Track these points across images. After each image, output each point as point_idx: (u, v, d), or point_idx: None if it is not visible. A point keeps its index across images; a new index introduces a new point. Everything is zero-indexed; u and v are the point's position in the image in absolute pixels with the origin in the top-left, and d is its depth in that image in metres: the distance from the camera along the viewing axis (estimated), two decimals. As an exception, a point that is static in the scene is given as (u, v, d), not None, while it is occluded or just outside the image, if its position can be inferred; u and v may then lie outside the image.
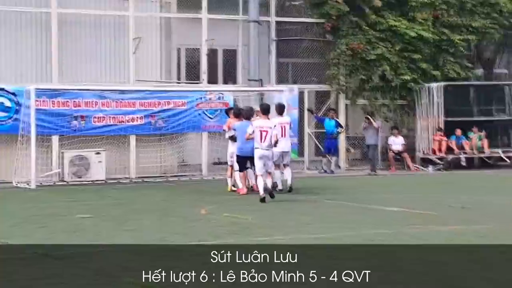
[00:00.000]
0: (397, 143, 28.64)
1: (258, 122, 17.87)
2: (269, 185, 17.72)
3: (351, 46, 27.72)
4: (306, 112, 27.93)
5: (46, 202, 17.84)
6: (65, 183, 23.12)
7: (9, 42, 23.72)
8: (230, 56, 27.44)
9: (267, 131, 17.50)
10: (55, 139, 23.72)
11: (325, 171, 27.10)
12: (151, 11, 25.42)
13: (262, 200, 16.93)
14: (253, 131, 17.67)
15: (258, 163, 17.50)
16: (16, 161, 22.56)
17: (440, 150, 28.63)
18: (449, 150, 28.72)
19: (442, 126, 28.68)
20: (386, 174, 27.08)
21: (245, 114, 18.97)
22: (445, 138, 28.68)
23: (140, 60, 25.09)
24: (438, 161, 28.58)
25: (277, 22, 27.66)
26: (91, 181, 23.26)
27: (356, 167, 27.96)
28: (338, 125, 27.42)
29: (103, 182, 23.30)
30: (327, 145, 27.46)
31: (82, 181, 23.24)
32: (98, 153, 23.68)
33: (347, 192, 20.02)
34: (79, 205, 16.95)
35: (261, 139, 17.49)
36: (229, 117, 20.51)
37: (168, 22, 25.94)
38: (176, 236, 12.19)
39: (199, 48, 26.31)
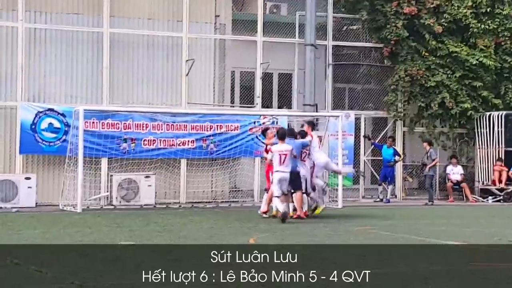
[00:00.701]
0: (455, 172, 27.69)
1: (277, 146, 18.65)
2: (290, 209, 18.67)
3: (409, 72, 26.91)
4: (362, 139, 27.11)
5: (91, 227, 17.27)
6: (112, 207, 22.64)
7: (59, 62, 23.44)
8: (285, 80, 26.83)
9: (286, 155, 18.38)
10: (104, 161, 23.31)
11: (381, 200, 26.24)
12: (206, 33, 24.93)
13: (283, 219, 17.95)
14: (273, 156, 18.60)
15: (276, 185, 18.39)
16: (63, 184, 22.14)
17: (500, 181, 27.60)
18: (510, 181, 27.62)
19: (502, 156, 27.66)
20: (444, 205, 26.09)
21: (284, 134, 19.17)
22: (505, 169, 27.66)
23: (192, 83, 24.62)
24: (498, 192, 27.50)
25: (334, 46, 27.01)
26: (140, 205, 22.76)
27: (413, 197, 26.99)
28: (396, 153, 26.56)
29: (152, 206, 22.78)
30: (384, 173, 26.63)
31: (130, 205, 22.77)
32: (147, 176, 23.19)
33: (404, 223, 19.11)
34: (124, 231, 16.36)
35: (280, 162, 18.40)
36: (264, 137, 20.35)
37: (222, 44, 25.45)
38: (219, 267, 11.43)
39: (253, 71, 25.72)
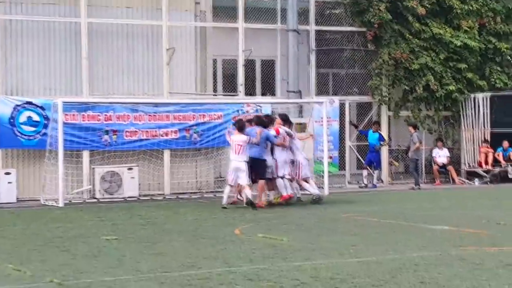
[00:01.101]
0: (441, 155, 27.50)
1: (234, 137, 19.26)
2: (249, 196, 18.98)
3: (393, 55, 26.62)
4: (347, 125, 26.79)
5: (73, 221, 16.91)
6: (95, 200, 22.25)
7: (37, 54, 22.94)
8: (268, 67, 26.44)
9: (241, 145, 18.96)
10: (85, 154, 22.89)
11: (366, 185, 25.93)
12: (186, 21, 24.51)
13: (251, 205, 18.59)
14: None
15: (230, 175, 19.21)
16: (44, 178, 21.72)
17: (486, 162, 27.44)
18: (496, 162, 27.43)
19: (488, 137, 27.47)
20: (430, 188, 25.86)
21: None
22: (491, 150, 27.49)
23: (174, 72, 24.20)
24: (484, 174, 27.29)
25: (317, 31, 26.61)
26: (123, 198, 22.39)
27: (399, 181, 26.72)
28: (381, 138, 26.29)
29: (136, 199, 22.40)
30: (369, 158, 26.34)
31: (114, 198, 22.38)
32: (130, 168, 22.80)
33: (391, 208, 18.83)
34: (107, 225, 16.01)
35: (235, 152, 19.05)
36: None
37: (203, 32, 25.04)
38: (205, 261, 11.13)
39: (236, 59, 25.31)
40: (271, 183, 19.62)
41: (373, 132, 26.33)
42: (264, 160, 19.23)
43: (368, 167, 26.40)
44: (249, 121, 20.06)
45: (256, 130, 19.21)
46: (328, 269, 10.28)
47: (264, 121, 19.70)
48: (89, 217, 17.70)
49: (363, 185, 26.07)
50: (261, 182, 19.23)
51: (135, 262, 11.14)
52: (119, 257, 11.59)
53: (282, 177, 19.54)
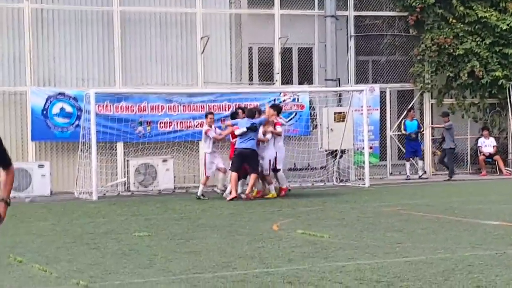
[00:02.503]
0: (488, 145, 26.46)
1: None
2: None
3: (436, 40, 25.62)
4: (388, 114, 25.87)
5: (105, 216, 16.32)
6: (130, 193, 21.69)
7: (69, 44, 22.41)
8: (306, 54, 25.60)
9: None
10: (119, 146, 22.36)
11: (420, 177, 24.88)
12: (220, 8, 23.81)
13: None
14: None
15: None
16: (77, 171, 21.19)
17: (535, 152, 26.34)
18: (546, 152, 26.41)
19: (536, 125, 26.41)
20: (477, 179, 24.91)
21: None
22: (540, 139, 26.38)
23: (208, 61, 23.55)
24: (533, 163, 26.31)
25: (356, 17, 25.73)
26: (158, 190, 21.80)
27: (443, 172, 25.76)
28: (419, 126, 25.32)
29: (171, 191, 21.78)
30: (410, 148, 25.30)
31: (148, 191, 21.80)
32: (165, 160, 22.16)
33: (437, 201, 17.97)
34: (139, 220, 15.38)
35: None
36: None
37: (238, 19, 24.35)
38: (240, 260, 10.42)
39: (272, 47, 24.54)
40: (269, 176, 19.45)
41: (410, 120, 25.29)
42: (257, 153, 19.12)
43: (411, 159, 25.42)
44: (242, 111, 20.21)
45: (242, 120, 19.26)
46: (373, 270, 9.52)
47: (254, 113, 19.48)
48: (121, 211, 17.11)
49: (408, 177, 25.01)
50: (255, 175, 19.01)
51: (167, 262, 10.48)
52: (150, 256, 10.94)
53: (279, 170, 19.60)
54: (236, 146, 19.22)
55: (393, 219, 14.64)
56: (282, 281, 9.01)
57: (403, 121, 25.59)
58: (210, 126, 19.91)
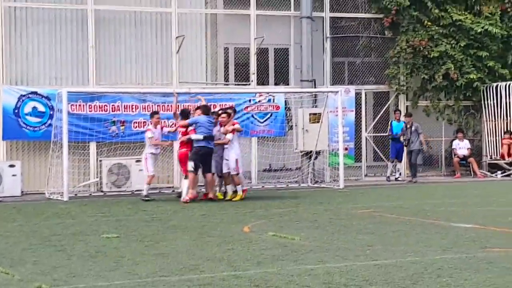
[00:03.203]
0: (462, 147, 26.53)
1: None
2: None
3: (412, 43, 25.67)
4: (363, 115, 25.81)
5: (75, 217, 16.09)
6: (102, 193, 21.47)
7: (42, 42, 22.17)
8: (282, 55, 25.50)
9: None
10: (92, 146, 22.14)
11: (396, 179, 24.77)
12: (196, 7, 23.66)
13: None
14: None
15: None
16: (49, 171, 20.95)
17: (509, 154, 26.43)
18: (519, 154, 26.46)
19: (511, 128, 26.40)
20: (451, 181, 24.90)
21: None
22: (514, 141, 26.41)
23: (184, 61, 23.40)
24: (507, 166, 26.29)
25: (332, 18, 25.69)
26: (131, 191, 21.59)
27: (419, 174, 25.71)
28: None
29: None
30: (395, 149, 25.08)
31: (121, 191, 21.59)
32: (138, 161, 21.88)
33: (410, 204, 17.90)
34: (109, 221, 15.19)
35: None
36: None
37: (214, 19, 24.21)
38: (208, 263, 10.27)
39: (248, 47, 24.40)
40: (228, 177, 19.13)
41: (397, 122, 25.15)
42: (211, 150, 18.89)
43: (395, 160, 25.27)
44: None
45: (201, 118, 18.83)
46: (342, 273, 9.41)
47: (209, 110, 19.38)
48: (92, 212, 16.89)
49: (392, 178, 24.84)
50: (211, 175, 19.03)
51: (134, 264, 10.31)
52: (117, 258, 10.76)
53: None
54: (199, 145, 18.59)
55: (365, 221, 14.55)
56: (249, 285, 8.87)
57: (389, 122, 25.48)
58: (155, 127, 19.75)
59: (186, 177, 18.81)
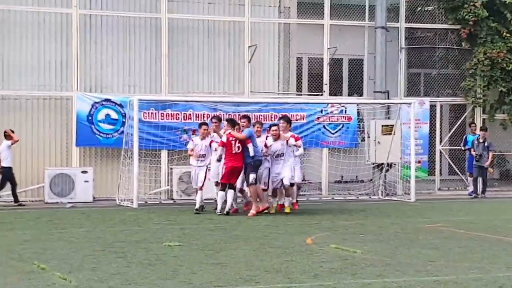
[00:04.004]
0: (540, 162, 25.70)
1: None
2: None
3: (489, 54, 25.07)
4: (438, 128, 25.33)
5: (141, 224, 16.16)
6: (172, 201, 21.56)
7: (116, 50, 22.46)
8: (356, 65, 25.23)
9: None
10: (163, 154, 22.25)
11: (477, 195, 23.87)
12: (269, 17, 23.63)
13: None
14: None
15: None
16: (119, 178, 21.14)
17: None
18: None
19: None
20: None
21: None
22: None
23: (256, 70, 23.38)
24: None
25: (407, 29, 25.31)
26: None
27: (493, 188, 25.09)
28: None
29: (214, 200, 21.51)
30: (472, 163, 24.27)
31: (191, 199, 21.54)
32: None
33: (481, 219, 17.44)
34: (174, 229, 15.19)
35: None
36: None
37: (287, 28, 24.12)
38: (265, 274, 10.14)
39: (321, 57, 24.22)
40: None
41: (473, 135, 24.42)
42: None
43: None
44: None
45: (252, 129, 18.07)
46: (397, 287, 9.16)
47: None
48: (159, 220, 16.95)
49: (472, 195, 24.00)
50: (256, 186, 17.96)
51: (191, 273, 10.26)
52: (176, 267, 10.73)
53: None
54: (257, 158, 17.78)
55: (432, 236, 14.21)
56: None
57: (465, 135, 24.82)
58: (204, 138, 18.72)
59: (222, 190, 18.00)
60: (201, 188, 18.65)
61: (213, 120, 18.87)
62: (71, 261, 11.27)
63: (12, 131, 20.78)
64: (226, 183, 17.80)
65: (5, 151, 20.50)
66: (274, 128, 18.19)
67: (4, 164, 20.49)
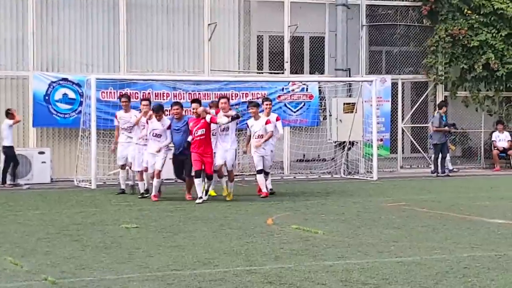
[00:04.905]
0: (502, 139, 25.75)
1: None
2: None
3: (451, 31, 24.95)
4: (399, 106, 25.19)
5: (98, 206, 15.81)
6: (131, 182, 21.14)
7: (73, 28, 21.97)
8: (317, 43, 24.96)
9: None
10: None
11: (444, 172, 23.66)
12: (229, -6, 23.25)
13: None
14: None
15: None
16: (77, 158, 20.73)
17: (550, 147, 25.55)
18: (562, 147, 25.59)
19: (552, 120, 25.62)
20: (489, 174, 24.20)
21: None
22: (557, 134, 25.57)
23: (216, 48, 23.02)
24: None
25: (368, 6, 25.11)
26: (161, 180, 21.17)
27: (456, 166, 25.04)
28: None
29: (174, 181, 21.19)
30: None
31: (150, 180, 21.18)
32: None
33: (444, 197, 17.33)
34: (132, 211, 14.87)
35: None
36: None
37: (247, 6, 23.76)
38: (224, 257, 9.88)
39: (282, 35, 23.91)
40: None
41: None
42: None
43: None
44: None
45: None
46: (362, 271, 8.95)
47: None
48: (117, 201, 16.62)
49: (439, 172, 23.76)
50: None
51: (147, 257, 9.96)
52: (132, 250, 10.43)
53: None
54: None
55: (394, 215, 14.05)
56: (262, 281, 8.46)
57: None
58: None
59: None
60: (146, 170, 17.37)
61: (223, 101, 16.95)
62: (24, 245, 10.93)
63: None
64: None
65: (6, 130, 20.31)
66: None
67: (5, 144, 20.27)
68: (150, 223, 13.09)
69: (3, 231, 12.31)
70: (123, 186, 18.27)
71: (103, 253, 10.21)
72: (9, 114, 20.52)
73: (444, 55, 25.21)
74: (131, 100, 19.32)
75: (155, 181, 16.69)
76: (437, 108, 24.28)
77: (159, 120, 16.85)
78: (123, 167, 18.29)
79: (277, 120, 17.94)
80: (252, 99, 21.97)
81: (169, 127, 16.87)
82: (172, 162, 17.27)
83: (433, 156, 23.92)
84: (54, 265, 9.43)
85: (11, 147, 20.38)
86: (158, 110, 16.89)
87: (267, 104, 17.89)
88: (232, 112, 16.85)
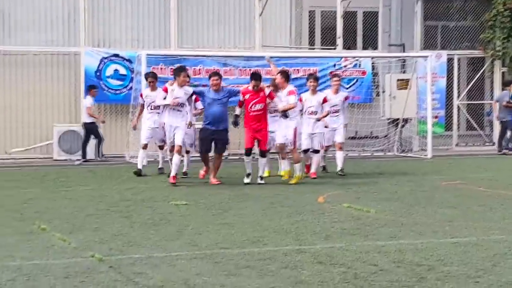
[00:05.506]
0: None
1: None
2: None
3: (509, 5, 24.25)
4: (455, 82, 24.65)
5: (148, 182, 15.74)
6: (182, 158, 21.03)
7: (124, 4, 21.89)
8: (370, 18, 24.50)
9: None
10: (192, 110, 21.68)
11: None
12: (281, -31, 22.93)
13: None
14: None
15: None
16: (128, 134, 20.68)
17: None
18: None
19: None
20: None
21: None
22: None
23: (267, 24, 22.72)
24: None
25: (424, -21, 24.54)
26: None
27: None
28: None
29: (224, 158, 20.99)
30: None
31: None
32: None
33: (502, 176, 16.87)
34: (181, 188, 14.74)
35: None
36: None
37: (299, -19, 23.39)
38: (274, 235, 9.68)
39: (335, 10, 23.52)
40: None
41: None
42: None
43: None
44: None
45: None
46: (415, 251, 8.67)
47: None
48: (167, 178, 16.44)
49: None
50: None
51: (196, 234, 9.80)
52: (181, 228, 10.27)
53: None
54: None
55: (449, 194, 13.69)
56: (312, 261, 8.24)
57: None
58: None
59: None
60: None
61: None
62: (74, 221, 10.86)
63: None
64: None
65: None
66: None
67: (87, 120, 20.49)
68: (200, 200, 12.93)
69: (53, 207, 12.28)
70: (140, 166, 17.06)
71: (152, 230, 10.08)
72: (93, 89, 20.72)
73: (502, 29, 24.58)
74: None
75: (176, 158, 15.14)
76: (503, 86, 23.56)
77: (181, 86, 15.22)
78: (145, 146, 17.33)
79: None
80: (304, 75, 21.65)
81: (191, 96, 15.48)
82: (199, 137, 16.11)
83: (498, 133, 23.31)
84: (102, 241, 9.32)
85: (93, 123, 20.58)
86: (179, 73, 15.34)
87: (336, 80, 17.27)
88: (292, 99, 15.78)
